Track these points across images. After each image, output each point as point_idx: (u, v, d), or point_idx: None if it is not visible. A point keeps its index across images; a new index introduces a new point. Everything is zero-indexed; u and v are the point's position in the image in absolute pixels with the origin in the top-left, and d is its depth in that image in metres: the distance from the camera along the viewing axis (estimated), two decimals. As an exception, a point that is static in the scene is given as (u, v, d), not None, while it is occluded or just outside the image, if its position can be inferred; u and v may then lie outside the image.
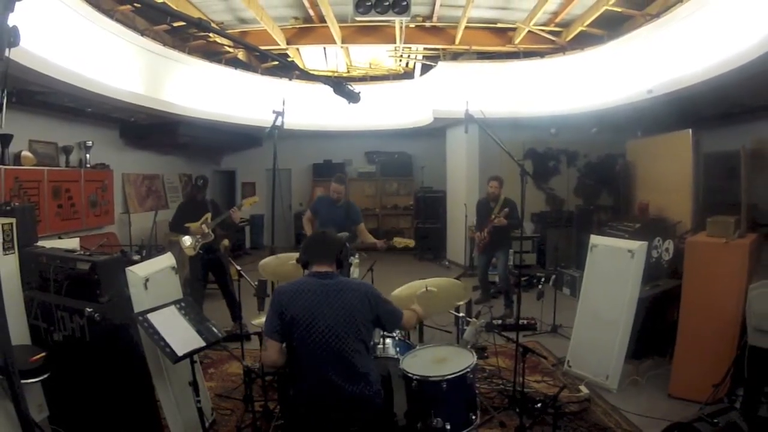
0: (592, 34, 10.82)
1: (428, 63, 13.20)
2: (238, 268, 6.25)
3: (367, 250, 8.25)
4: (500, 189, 9.23)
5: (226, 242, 8.47)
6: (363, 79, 15.21)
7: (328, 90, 4.30)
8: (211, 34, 11.42)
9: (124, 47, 9.11)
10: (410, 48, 12.86)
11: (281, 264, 5.69)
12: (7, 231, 3.90)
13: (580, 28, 10.57)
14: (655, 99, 9.19)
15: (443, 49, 12.51)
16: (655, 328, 6.53)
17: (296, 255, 5.04)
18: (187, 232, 8.00)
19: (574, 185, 14.17)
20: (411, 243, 7.43)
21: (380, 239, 7.66)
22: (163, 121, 11.64)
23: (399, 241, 7.31)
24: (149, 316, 4.08)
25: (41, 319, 4.35)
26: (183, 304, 4.48)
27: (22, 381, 3.21)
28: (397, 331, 5.48)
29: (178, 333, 4.11)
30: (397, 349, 5.18)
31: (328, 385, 3.64)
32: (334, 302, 3.72)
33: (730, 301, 5.35)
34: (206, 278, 8.30)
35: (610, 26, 10.54)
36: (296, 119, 11.89)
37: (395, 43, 11.69)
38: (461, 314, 6.29)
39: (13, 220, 4.00)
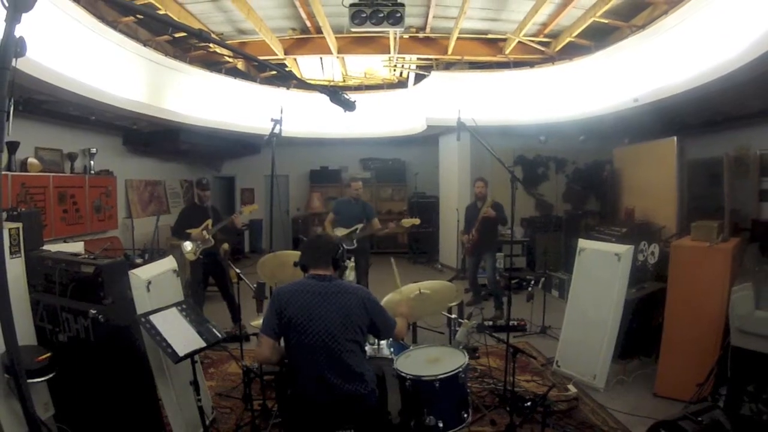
0: (580, 44, 10.85)
1: (421, 72, 13.23)
2: (238, 271, 6.25)
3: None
4: (486, 189, 9.34)
5: (226, 246, 8.46)
6: (358, 88, 15.20)
7: (324, 99, 4.30)
8: (211, 45, 11.41)
9: (127, 57, 9.10)
10: (404, 58, 12.87)
11: (280, 266, 5.69)
12: (13, 235, 3.90)
13: (568, 39, 10.59)
14: (640, 107, 9.21)
15: (436, 59, 12.52)
16: (641, 329, 6.55)
17: (293, 253, 5.06)
18: (188, 238, 8.00)
19: (563, 191, 14.22)
20: (417, 221, 8.67)
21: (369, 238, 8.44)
22: (165, 128, 11.64)
23: (406, 222, 8.56)
24: (151, 317, 4.09)
25: (47, 320, 4.35)
26: (184, 306, 4.48)
27: (29, 380, 3.21)
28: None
29: (180, 334, 4.12)
30: (391, 349, 5.19)
31: (325, 384, 3.64)
32: (331, 304, 3.72)
33: (714, 303, 5.38)
34: (207, 281, 8.31)
35: (598, 37, 10.57)
36: (294, 127, 11.91)
37: (390, 53, 11.70)
38: (453, 316, 6.29)
39: (20, 225, 3.99)
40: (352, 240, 8.30)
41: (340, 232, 8.44)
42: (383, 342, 5.27)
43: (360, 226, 8.24)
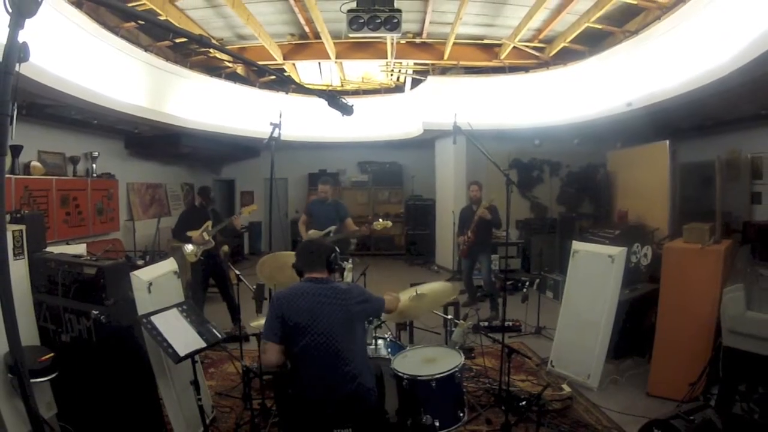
0: (574, 49, 10.88)
1: (418, 77, 13.23)
2: (237, 272, 6.27)
3: (360, 255, 8.40)
4: (480, 192, 9.47)
5: (225, 248, 8.47)
6: (356, 92, 15.23)
7: (322, 103, 4.29)
8: (211, 50, 11.46)
9: (129, 62, 9.10)
10: (401, 63, 12.89)
11: (279, 267, 5.69)
12: (17, 237, 3.90)
13: (562, 44, 10.63)
14: (634, 112, 9.23)
15: (432, 64, 12.53)
16: (634, 330, 6.57)
17: (291, 254, 5.06)
18: (189, 239, 8.02)
19: (557, 194, 14.26)
20: (389, 224, 8.13)
21: (367, 240, 8.25)
22: (166, 132, 11.65)
23: (378, 224, 8.00)
24: (152, 318, 4.09)
25: (50, 321, 4.36)
26: (185, 307, 4.48)
27: (32, 380, 3.22)
28: (389, 333, 5.54)
29: (180, 334, 4.12)
30: (389, 349, 5.19)
31: (327, 384, 3.66)
32: (331, 306, 3.73)
33: (706, 304, 5.38)
34: (207, 283, 8.30)
35: (592, 42, 10.60)
36: (292, 131, 11.92)
37: (387, 58, 11.71)
38: (449, 316, 6.30)
39: (23, 227, 4.00)
40: None
41: (314, 234, 8.32)
42: (381, 342, 5.28)
43: (333, 228, 8.07)
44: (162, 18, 8.56)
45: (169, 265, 5.18)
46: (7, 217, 4.09)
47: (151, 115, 9.96)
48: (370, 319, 4.54)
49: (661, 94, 8.34)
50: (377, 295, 4.19)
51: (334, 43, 11.12)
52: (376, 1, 7.79)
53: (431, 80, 12.57)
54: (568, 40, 10.33)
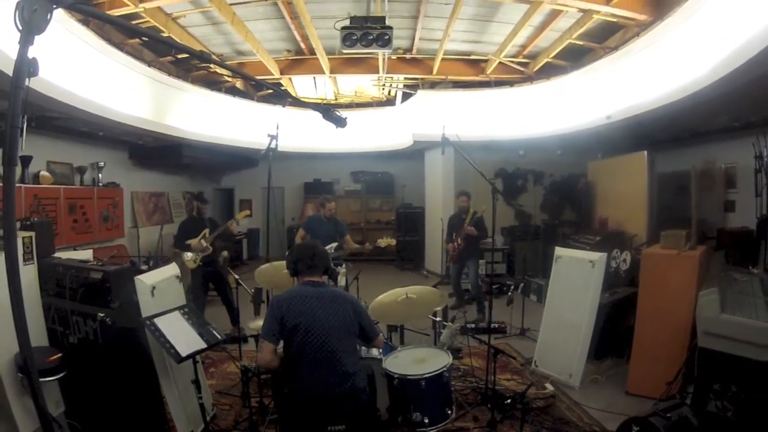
0: (557, 65, 10.91)
1: (408, 91, 13.23)
2: (236, 277, 6.29)
3: (354, 260, 8.36)
4: (469, 202, 9.47)
5: (225, 254, 8.47)
6: (349, 105, 15.16)
7: (317, 116, 4.29)
8: (211, 65, 11.43)
9: (133, 77, 9.08)
10: (392, 77, 12.88)
11: (276, 272, 5.72)
12: (27, 243, 3.90)
13: (545, 60, 10.65)
14: (613, 124, 9.28)
15: (422, 78, 12.54)
16: (614, 331, 6.58)
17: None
18: (189, 248, 8.03)
19: (541, 202, 14.31)
20: (393, 242, 7.99)
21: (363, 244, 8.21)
22: (168, 143, 11.65)
23: (382, 241, 7.94)
24: (156, 320, 4.11)
25: (58, 323, 4.35)
26: (186, 310, 4.50)
27: (41, 379, 3.21)
28: (380, 335, 5.54)
29: (182, 336, 4.14)
30: (380, 350, 5.20)
31: (322, 383, 3.68)
32: (328, 308, 3.78)
33: (682, 307, 5.40)
34: (207, 287, 8.30)
35: (573, 58, 10.64)
36: (289, 142, 11.88)
37: (378, 73, 11.72)
38: (438, 319, 6.31)
39: (33, 234, 3.99)
40: None
41: None
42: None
43: (335, 245, 7.92)
44: (165, 35, 8.57)
45: (172, 269, 5.19)
46: (18, 224, 4.08)
47: (154, 127, 9.96)
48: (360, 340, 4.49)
49: (640, 107, 8.38)
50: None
51: (329, 58, 11.12)
52: (369, 19, 7.83)
53: (421, 94, 12.59)
54: (551, 55, 10.36)
